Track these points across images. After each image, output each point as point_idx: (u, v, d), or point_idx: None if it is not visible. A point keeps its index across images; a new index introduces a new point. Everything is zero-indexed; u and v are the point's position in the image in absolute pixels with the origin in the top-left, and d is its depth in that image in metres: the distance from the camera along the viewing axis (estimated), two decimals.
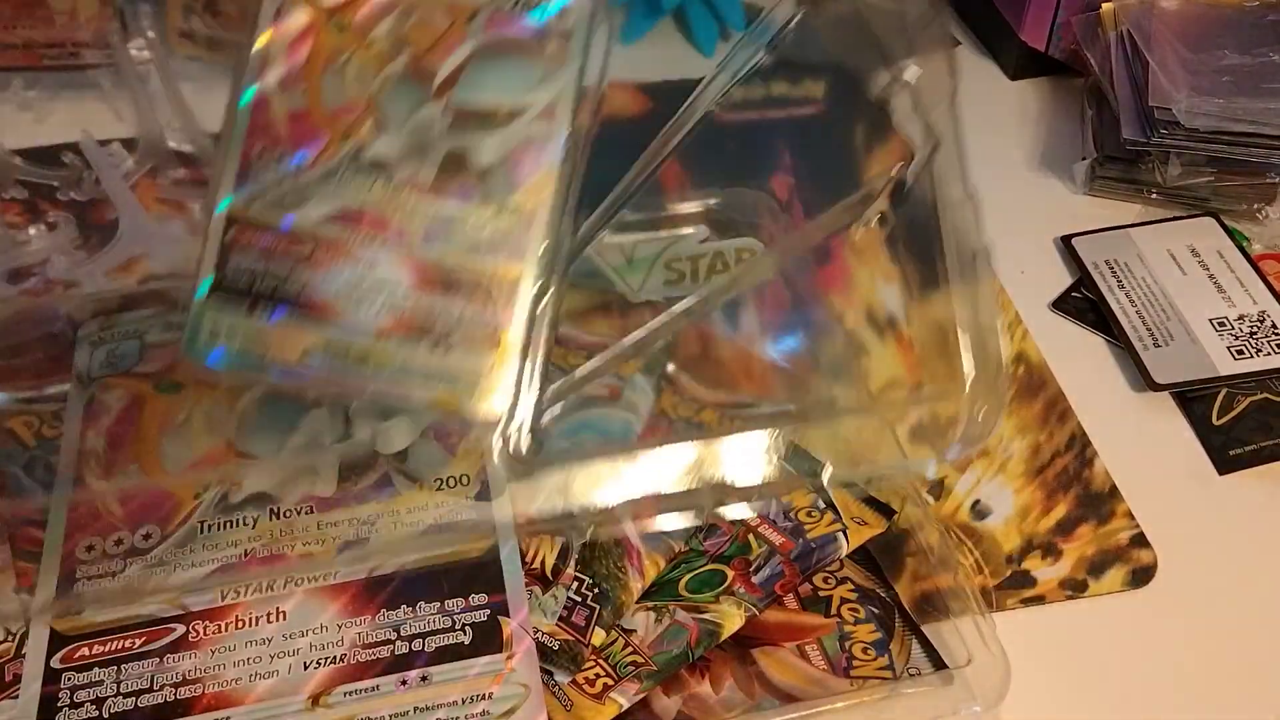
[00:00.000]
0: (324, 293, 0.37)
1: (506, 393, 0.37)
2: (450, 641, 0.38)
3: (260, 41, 0.38)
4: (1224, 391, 0.49)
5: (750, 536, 0.42)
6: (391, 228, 0.37)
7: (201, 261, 0.37)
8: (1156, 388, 0.49)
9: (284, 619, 0.38)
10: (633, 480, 0.39)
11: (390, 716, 0.36)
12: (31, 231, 0.51)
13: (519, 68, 0.39)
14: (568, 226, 0.39)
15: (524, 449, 0.37)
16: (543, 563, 0.40)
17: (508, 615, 0.38)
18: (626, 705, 0.38)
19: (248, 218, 0.37)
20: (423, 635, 0.38)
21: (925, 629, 0.41)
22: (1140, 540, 0.45)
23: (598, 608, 0.39)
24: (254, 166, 0.38)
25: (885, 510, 0.42)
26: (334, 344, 0.37)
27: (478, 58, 0.39)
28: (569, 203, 0.39)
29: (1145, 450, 0.48)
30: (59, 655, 0.37)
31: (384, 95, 0.38)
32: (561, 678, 0.38)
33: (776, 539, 0.41)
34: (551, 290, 0.38)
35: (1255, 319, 0.51)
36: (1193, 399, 0.49)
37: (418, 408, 0.37)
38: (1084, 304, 0.53)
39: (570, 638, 0.39)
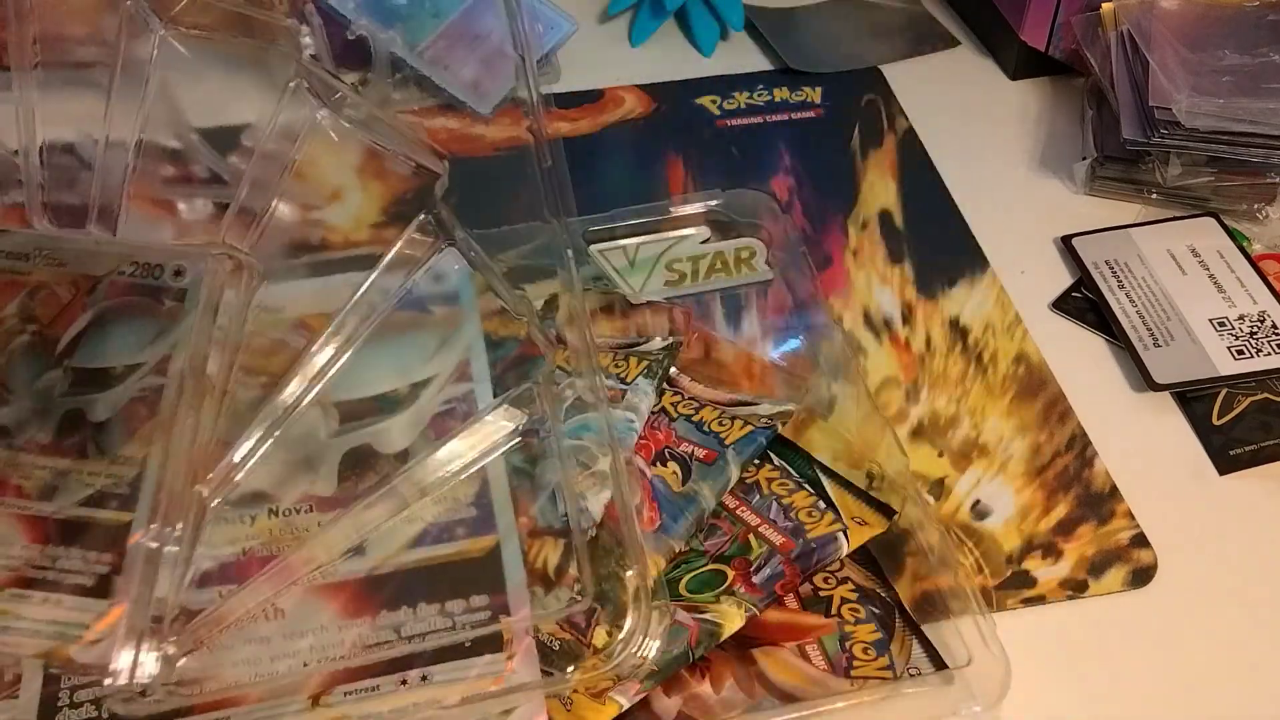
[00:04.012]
0: None
1: (115, 640, 0.36)
2: (450, 641, 0.38)
3: None
4: (1224, 391, 0.49)
5: (751, 537, 0.42)
6: (9, 488, 0.39)
7: None
8: (1156, 388, 0.49)
9: (283, 618, 0.38)
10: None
11: (390, 717, 0.37)
12: None
13: (135, 328, 0.42)
14: (184, 471, 0.39)
15: (131, 701, 0.36)
16: (545, 562, 0.40)
17: (508, 615, 0.39)
18: (627, 705, 0.38)
19: None
20: (422, 635, 0.38)
21: (925, 629, 0.41)
22: (1140, 540, 0.45)
23: (598, 608, 0.39)
24: None
25: (885, 510, 0.42)
26: None
27: (97, 324, 0.42)
28: (186, 448, 0.40)
29: (1145, 450, 0.48)
30: None
31: (9, 368, 0.41)
32: None
33: (777, 539, 0.41)
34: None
35: (1255, 319, 0.51)
36: (1193, 399, 0.49)
37: (31, 658, 0.37)
38: (1084, 304, 0.53)
39: (571, 638, 0.39)
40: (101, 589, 0.37)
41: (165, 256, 0.43)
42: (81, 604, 0.37)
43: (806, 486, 0.43)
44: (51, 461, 0.39)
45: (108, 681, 0.36)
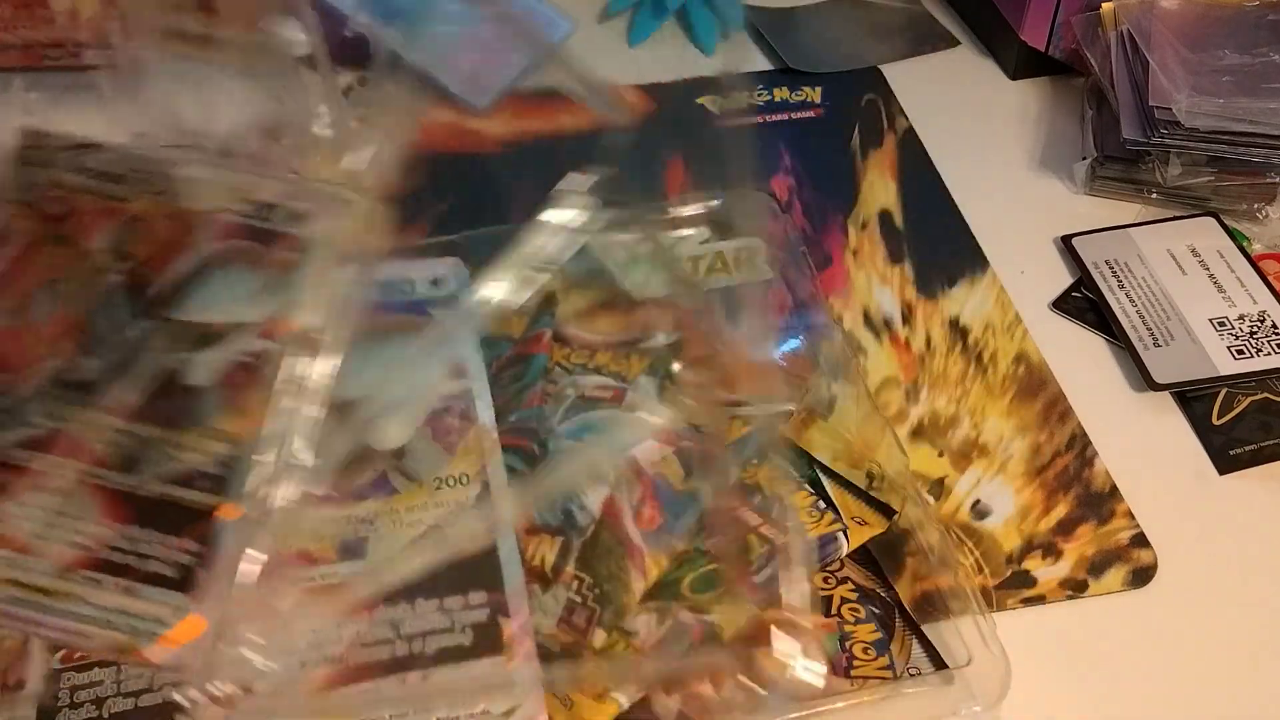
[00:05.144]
0: (10, 524, 0.33)
1: (197, 642, 0.33)
2: (450, 643, 0.38)
3: None
4: (1224, 391, 0.49)
5: (751, 536, 0.42)
6: (88, 454, 0.34)
7: None
8: (1156, 388, 0.49)
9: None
10: None
11: (389, 717, 0.36)
12: None
13: (243, 279, 0.36)
14: (290, 453, 0.35)
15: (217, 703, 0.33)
16: (543, 560, 0.40)
17: (507, 615, 0.38)
18: (627, 705, 0.38)
19: None
20: (422, 635, 0.38)
21: (925, 629, 0.41)
22: (1140, 540, 0.45)
23: (598, 609, 0.39)
24: None
25: (885, 510, 0.42)
26: (18, 581, 0.33)
27: (199, 269, 0.36)
28: (291, 429, 0.35)
29: (1145, 450, 0.48)
30: (59, 655, 0.37)
31: (96, 311, 0.36)
32: None
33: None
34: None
35: (1255, 319, 0.51)
36: (1193, 399, 0.49)
37: (97, 649, 0.34)
38: (1084, 304, 0.53)
39: (572, 639, 0.39)
40: (183, 581, 0.33)
41: (283, 195, 0.37)
42: (160, 596, 0.33)
43: (806, 486, 0.43)
44: (136, 428, 0.34)
45: (192, 692, 0.33)
